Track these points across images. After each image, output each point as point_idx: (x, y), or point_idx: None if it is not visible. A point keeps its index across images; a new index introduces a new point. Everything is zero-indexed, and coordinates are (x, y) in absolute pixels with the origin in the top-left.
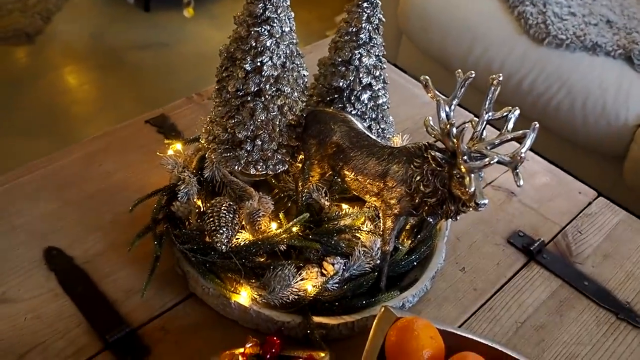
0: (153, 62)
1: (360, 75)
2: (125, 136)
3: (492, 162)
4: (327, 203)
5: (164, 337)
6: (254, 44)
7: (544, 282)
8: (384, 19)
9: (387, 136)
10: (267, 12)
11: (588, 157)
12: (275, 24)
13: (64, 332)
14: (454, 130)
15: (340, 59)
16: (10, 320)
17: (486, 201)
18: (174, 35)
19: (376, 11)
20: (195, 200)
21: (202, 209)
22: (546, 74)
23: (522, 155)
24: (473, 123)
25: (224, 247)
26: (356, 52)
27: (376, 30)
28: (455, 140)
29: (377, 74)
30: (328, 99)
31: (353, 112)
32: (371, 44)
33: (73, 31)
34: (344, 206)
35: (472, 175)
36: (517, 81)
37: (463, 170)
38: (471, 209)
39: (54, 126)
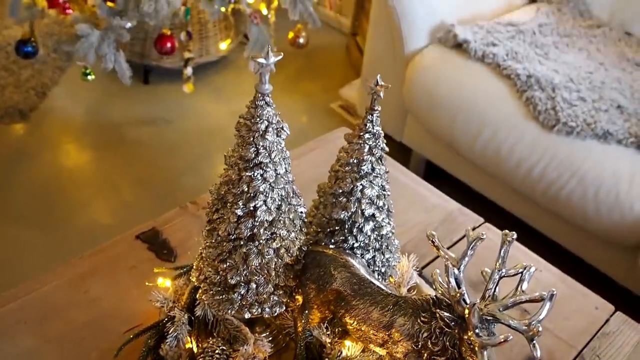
0: (153, 138)
1: (363, 206)
2: (114, 255)
3: (507, 339)
4: (328, 340)
5: None
6: (245, 189)
7: None
8: (386, 148)
9: (393, 264)
10: (259, 157)
11: (601, 244)
12: (269, 169)
13: None
14: (465, 299)
15: (341, 190)
16: None
17: None
18: (174, 110)
19: (378, 142)
20: (185, 342)
21: (194, 352)
22: (557, 161)
23: (539, 329)
24: (485, 274)
25: None
26: (358, 183)
27: (379, 161)
28: (467, 311)
29: (381, 203)
30: (329, 230)
31: (355, 245)
32: (374, 174)
33: (70, 107)
34: (347, 343)
35: (485, 352)
36: (528, 168)
37: (475, 344)
38: None
39: (49, 212)
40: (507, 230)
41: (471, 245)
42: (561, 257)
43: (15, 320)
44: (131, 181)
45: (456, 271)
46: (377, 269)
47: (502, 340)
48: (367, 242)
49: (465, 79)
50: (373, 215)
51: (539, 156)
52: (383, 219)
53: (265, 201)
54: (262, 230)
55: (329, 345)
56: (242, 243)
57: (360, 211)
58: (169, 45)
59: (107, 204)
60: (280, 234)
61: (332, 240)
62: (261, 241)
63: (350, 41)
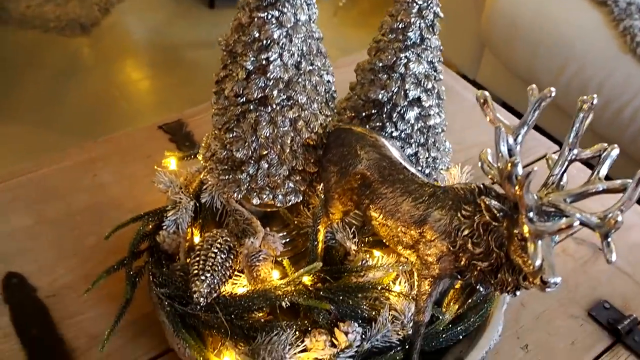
0: (210, 62)
1: (407, 86)
2: (133, 143)
3: (572, 225)
4: (354, 247)
5: None
6: (257, 35)
7: None
8: (441, 14)
9: (440, 167)
10: None
11: None
12: (286, 10)
13: None
14: (518, 172)
15: (381, 64)
16: None
17: (558, 280)
18: None
19: (431, 3)
20: (186, 230)
21: (194, 244)
22: None
23: (618, 219)
24: (550, 161)
25: (202, 299)
26: (402, 55)
27: (430, 29)
28: (517, 187)
29: (430, 86)
30: (364, 114)
31: (395, 134)
32: (423, 46)
33: (132, 24)
34: (376, 253)
35: (540, 241)
36: (617, 109)
37: (526, 232)
38: (535, 287)
39: (95, 124)
40: (585, 97)
41: (534, 107)
42: None
43: (12, 197)
44: (182, 101)
45: (511, 140)
46: (419, 168)
47: (564, 226)
48: (409, 132)
49: (552, 5)
50: (419, 99)
51: (631, 95)
52: (431, 106)
53: (280, 54)
54: (275, 92)
55: (353, 252)
56: (251, 107)
57: (403, 92)
58: None
59: (154, 121)
60: (298, 100)
61: (367, 127)
62: (274, 106)
63: None
